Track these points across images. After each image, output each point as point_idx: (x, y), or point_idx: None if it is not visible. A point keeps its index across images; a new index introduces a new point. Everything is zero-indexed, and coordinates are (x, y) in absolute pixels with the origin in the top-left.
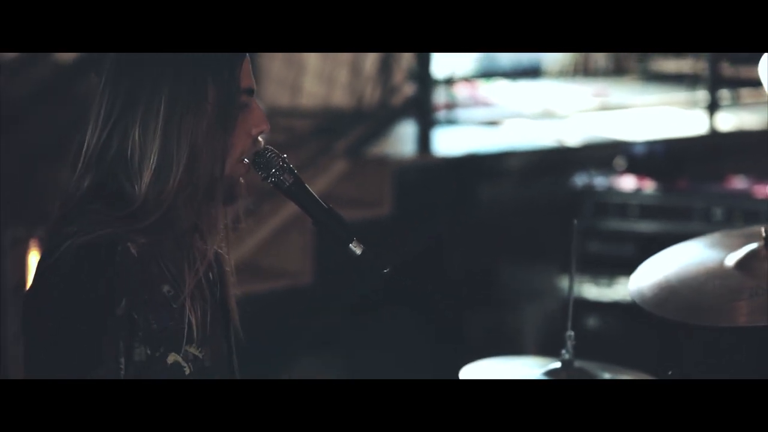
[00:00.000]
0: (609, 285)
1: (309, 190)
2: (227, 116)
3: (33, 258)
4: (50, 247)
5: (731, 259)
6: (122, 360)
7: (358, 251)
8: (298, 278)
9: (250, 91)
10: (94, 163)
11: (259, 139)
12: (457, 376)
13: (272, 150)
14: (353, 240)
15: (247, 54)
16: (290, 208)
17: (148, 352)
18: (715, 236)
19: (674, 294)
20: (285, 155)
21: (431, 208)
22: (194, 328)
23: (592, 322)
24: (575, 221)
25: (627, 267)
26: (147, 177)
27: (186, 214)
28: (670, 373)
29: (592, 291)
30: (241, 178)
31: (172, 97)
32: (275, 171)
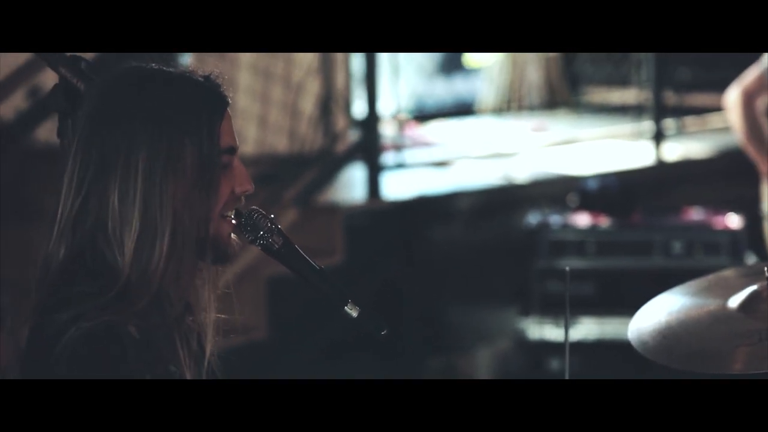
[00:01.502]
0: (570, 325)
1: (299, 252)
2: (209, 178)
3: None
4: (47, 336)
5: (734, 301)
6: None
7: (354, 314)
8: (253, 333)
9: (231, 150)
10: (69, 232)
11: (242, 198)
12: None
13: (259, 211)
14: (348, 302)
15: (227, 110)
16: (241, 262)
17: None
18: (708, 279)
19: (678, 341)
20: (272, 215)
21: (383, 252)
22: None
23: (554, 364)
24: (567, 269)
25: (587, 305)
26: (130, 246)
27: (175, 296)
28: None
29: (554, 332)
30: (231, 235)
31: (150, 161)
32: (264, 233)
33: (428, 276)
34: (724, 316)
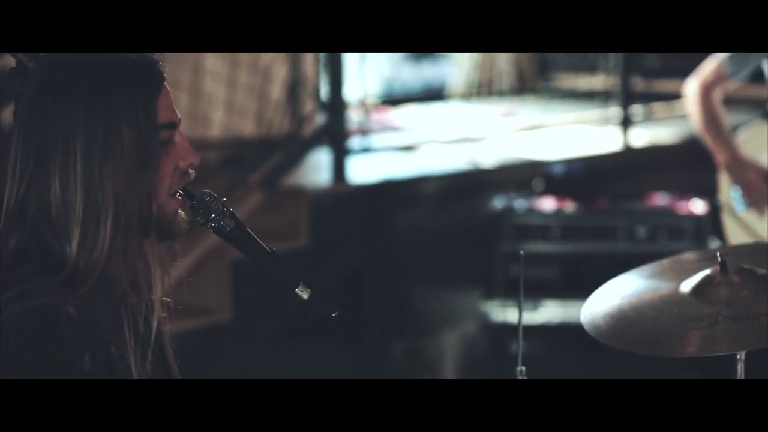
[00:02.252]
0: (534, 308)
1: (251, 235)
2: (148, 156)
3: None
4: None
5: (686, 285)
6: None
7: (305, 296)
8: (217, 315)
9: (172, 125)
10: (17, 221)
11: (190, 171)
12: None
13: (210, 194)
14: (299, 284)
15: (165, 85)
16: (204, 245)
17: None
18: (663, 263)
19: (630, 324)
20: (225, 198)
21: (348, 236)
22: None
23: (516, 347)
24: (522, 252)
25: (551, 289)
26: (75, 232)
27: (121, 273)
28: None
29: (517, 315)
30: (179, 212)
31: (88, 145)
32: (215, 216)
33: (393, 260)
34: (676, 300)
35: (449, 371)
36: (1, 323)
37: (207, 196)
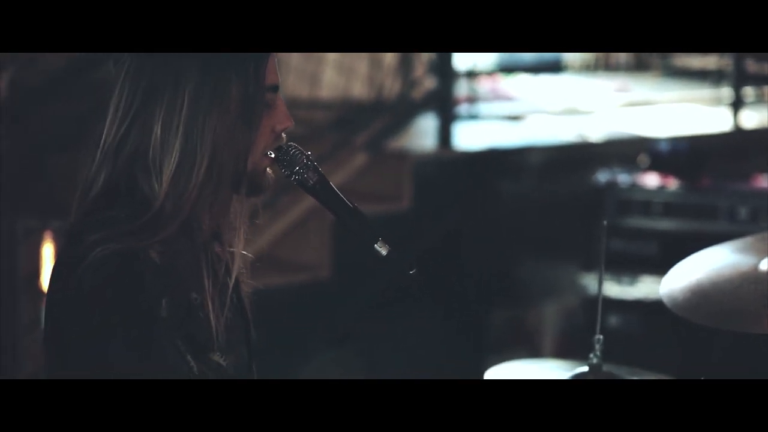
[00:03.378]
0: (631, 283)
1: (334, 189)
2: (251, 114)
3: (47, 249)
4: (73, 256)
5: (765, 263)
6: (190, 359)
7: (384, 252)
8: (316, 272)
9: (275, 88)
10: (111, 157)
11: (282, 134)
12: (476, 374)
13: (296, 147)
14: (378, 240)
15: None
16: (309, 201)
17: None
18: (748, 239)
19: (707, 299)
20: (309, 152)
21: (451, 203)
22: (218, 335)
23: (614, 321)
24: (605, 222)
25: (650, 265)
26: (168, 174)
27: (205, 222)
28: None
29: (614, 289)
30: (267, 169)
31: (196, 93)
32: (299, 169)
33: (495, 229)
34: (754, 277)
35: (548, 343)
36: (85, 265)
37: (292, 149)
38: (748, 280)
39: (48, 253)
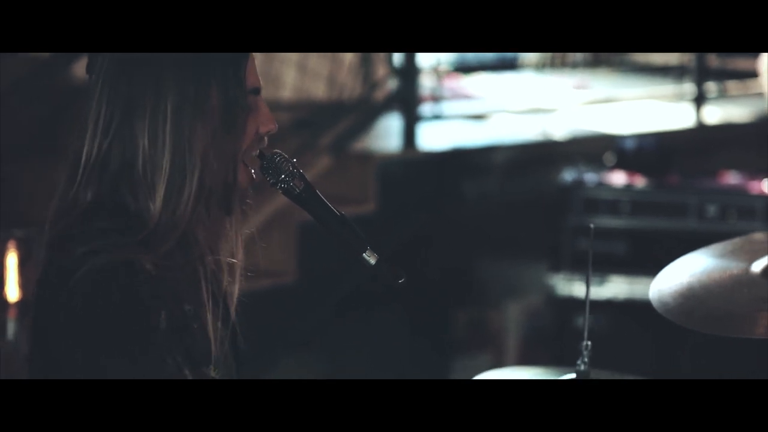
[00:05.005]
0: (600, 283)
1: (320, 197)
2: (235, 119)
3: (11, 259)
4: (62, 267)
5: (758, 265)
6: (187, 372)
7: (372, 261)
8: (281, 277)
9: (256, 91)
10: (97, 173)
11: (265, 138)
12: (441, 375)
13: (281, 154)
14: (367, 249)
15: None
16: (272, 205)
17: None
18: (737, 241)
19: (701, 304)
20: (295, 160)
21: (416, 203)
22: (213, 348)
23: (581, 321)
24: (591, 225)
25: (618, 265)
26: (161, 191)
27: (201, 235)
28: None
29: (583, 290)
30: (252, 171)
31: (178, 104)
32: (285, 177)
33: (460, 229)
34: (746, 280)
35: (512, 343)
36: (78, 277)
37: (277, 157)
38: (741, 283)
39: (12, 263)
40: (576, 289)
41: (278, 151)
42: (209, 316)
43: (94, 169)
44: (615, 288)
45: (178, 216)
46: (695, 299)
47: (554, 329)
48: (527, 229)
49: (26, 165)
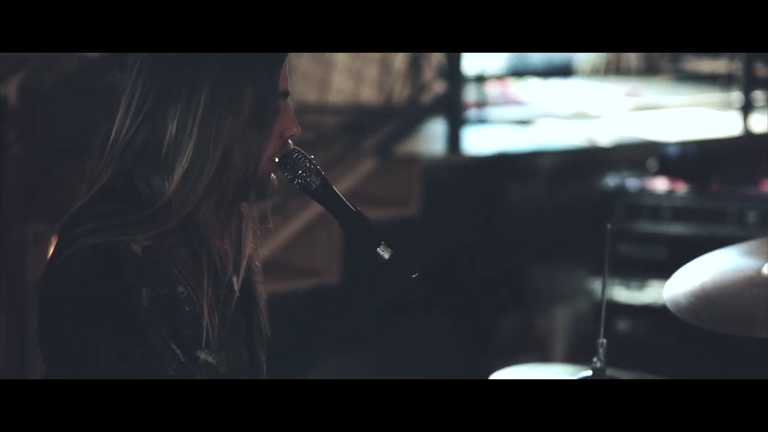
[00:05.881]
0: (640, 288)
1: (336, 193)
2: (264, 119)
3: None
4: (59, 249)
5: None
6: (174, 346)
7: (386, 256)
8: (325, 277)
9: (285, 94)
10: (119, 155)
11: (289, 141)
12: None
13: (299, 151)
14: (381, 244)
15: (287, 56)
16: (318, 206)
17: None
18: (752, 243)
19: (710, 303)
20: (312, 156)
21: (460, 207)
22: (209, 333)
23: (622, 325)
24: (609, 225)
25: (659, 270)
26: (178, 174)
27: (211, 222)
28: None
29: (623, 294)
30: (272, 175)
31: (212, 96)
32: (302, 173)
33: (504, 233)
34: (758, 281)
35: (558, 348)
36: (65, 256)
37: (295, 153)
38: (752, 283)
39: None
40: (617, 293)
41: (297, 148)
42: (205, 299)
43: (117, 149)
44: (655, 293)
45: (188, 200)
46: (706, 299)
47: (597, 334)
48: (571, 234)
49: (74, 162)
